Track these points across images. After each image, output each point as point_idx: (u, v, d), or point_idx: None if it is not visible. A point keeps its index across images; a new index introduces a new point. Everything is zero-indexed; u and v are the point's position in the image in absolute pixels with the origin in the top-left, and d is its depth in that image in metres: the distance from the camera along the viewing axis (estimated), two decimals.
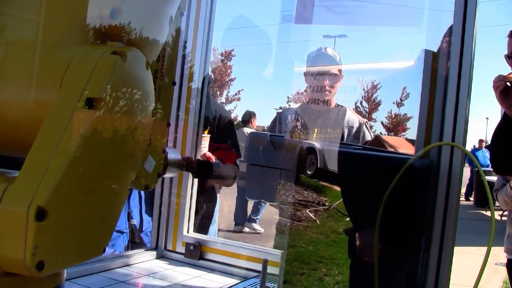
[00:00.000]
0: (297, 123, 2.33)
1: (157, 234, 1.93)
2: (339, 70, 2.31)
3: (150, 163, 1.02)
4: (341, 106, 2.35)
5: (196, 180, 1.92)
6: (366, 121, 2.41)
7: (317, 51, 2.30)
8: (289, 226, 1.70)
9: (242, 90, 25.10)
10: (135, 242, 2.63)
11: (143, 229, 2.66)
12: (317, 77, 2.26)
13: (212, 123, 2.31)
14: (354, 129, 2.31)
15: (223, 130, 2.37)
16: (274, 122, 2.47)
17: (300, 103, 2.53)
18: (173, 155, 1.20)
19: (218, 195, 2.75)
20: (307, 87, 2.32)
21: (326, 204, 1.69)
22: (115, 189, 0.79)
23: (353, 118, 2.36)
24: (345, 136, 2.29)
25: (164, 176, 1.17)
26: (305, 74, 2.33)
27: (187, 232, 1.92)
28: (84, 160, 0.69)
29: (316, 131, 2.30)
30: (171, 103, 1.17)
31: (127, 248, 2.52)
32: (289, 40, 2.25)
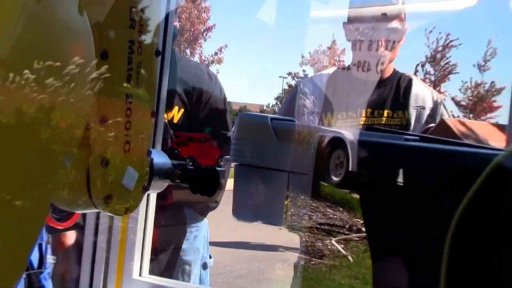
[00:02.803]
0: (331, 98, 1.73)
1: (90, 280, 1.23)
2: (404, 20, 1.70)
3: (131, 177, 0.82)
4: (404, 74, 1.76)
5: (153, 196, 1.24)
6: (444, 98, 1.79)
7: None
8: (304, 265, 1.30)
9: (226, 46, 17.03)
10: None
11: (43, 269, 1.48)
12: (367, 30, 1.68)
13: (181, 99, 1.63)
14: (427, 111, 1.71)
15: (199, 111, 1.68)
16: (291, 98, 1.84)
17: (334, 68, 1.88)
18: (160, 159, 0.92)
19: (205, 219, 1.92)
20: (332, 45, 1.69)
21: (363, 229, 1.20)
22: (17, 211, 0.54)
23: (423, 94, 1.73)
24: (412, 122, 1.71)
25: (149, 192, 0.93)
26: (346, 23, 1.73)
27: (139, 275, 1.24)
28: None
29: (359, 114, 1.73)
30: (156, 84, 0.95)
31: None
32: None
